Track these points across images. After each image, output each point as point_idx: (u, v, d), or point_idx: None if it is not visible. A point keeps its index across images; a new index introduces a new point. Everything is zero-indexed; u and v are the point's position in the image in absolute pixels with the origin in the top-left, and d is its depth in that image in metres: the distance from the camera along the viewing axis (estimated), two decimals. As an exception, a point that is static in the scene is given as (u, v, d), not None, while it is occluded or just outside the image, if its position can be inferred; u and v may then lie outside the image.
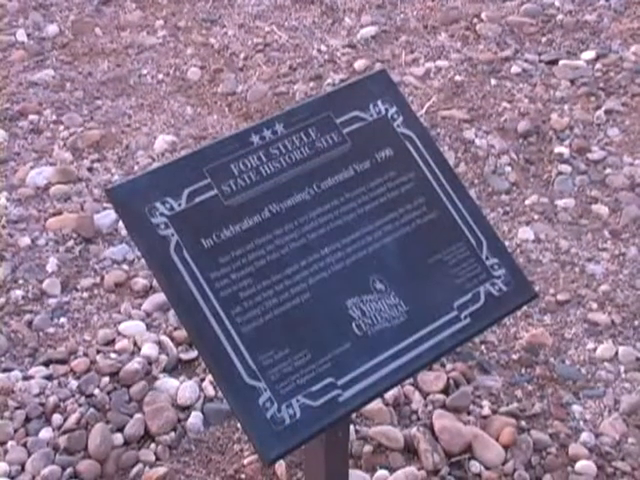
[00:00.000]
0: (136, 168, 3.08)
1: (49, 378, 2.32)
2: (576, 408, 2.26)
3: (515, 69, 3.54)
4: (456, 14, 3.92)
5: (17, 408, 2.22)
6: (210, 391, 2.28)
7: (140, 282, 2.63)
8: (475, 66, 3.57)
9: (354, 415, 2.15)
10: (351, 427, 2.08)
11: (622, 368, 2.38)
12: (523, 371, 2.37)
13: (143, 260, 2.43)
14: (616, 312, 2.54)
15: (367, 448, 2.13)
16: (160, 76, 3.61)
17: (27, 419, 2.21)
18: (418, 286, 1.60)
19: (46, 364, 2.37)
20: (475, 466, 2.10)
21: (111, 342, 2.44)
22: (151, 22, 3.96)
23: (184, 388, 2.27)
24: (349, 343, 1.51)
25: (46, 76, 3.58)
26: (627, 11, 3.91)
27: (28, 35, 3.83)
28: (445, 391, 2.27)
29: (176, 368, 2.36)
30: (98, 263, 2.72)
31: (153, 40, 3.83)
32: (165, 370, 2.34)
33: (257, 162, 1.58)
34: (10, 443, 2.15)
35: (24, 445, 2.15)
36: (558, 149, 3.13)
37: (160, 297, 2.52)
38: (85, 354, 2.39)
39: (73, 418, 2.18)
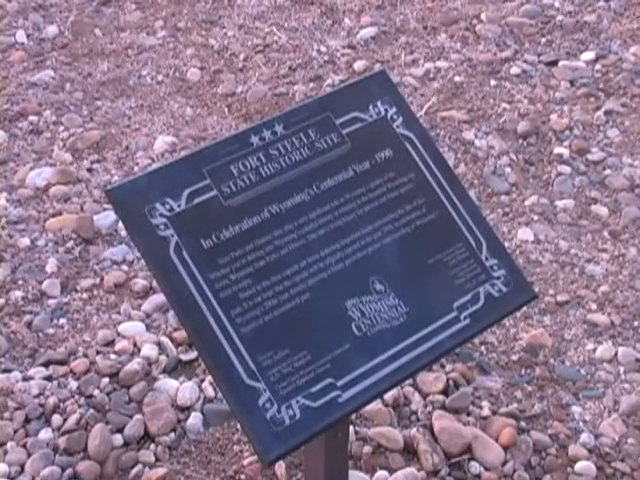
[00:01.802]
0: (136, 169, 3.08)
1: (49, 379, 2.31)
2: (576, 409, 2.26)
3: (515, 70, 3.54)
4: (456, 15, 3.92)
5: (17, 409, 2.22)
6: (210, 392, 2.28)
7: (140, 283, 2.63)
8: (475, 67, 3.57)
9: (354, 416, 2.15)
10: (351, 428, 2.08)
11: (622, 369, 2.38)
12: (523, 372, 2.37)
13: (143, 261, 2.43)
14: (616, 313, 2.54)
15: (367, 449, 2.13)
16: (160, 77, 3.61)
17: (27, 420, 2.21)
18: (418, 287, 1.60)
19: (46, 365, 2.37)
20: (475, 467, 2.10)
21: (111, 343, 2.44)
22: (151, 23, 3.96)
23: (184, 389, 2.27)
24: (349, 344, 1.51)
25: (46, 77, 3.58)
26: (626, 12, 3.91)
27: (28, 36, 3.84)
28: (445, 392, 2.27)
29: (176, 369, 2.36)
30: (98, 264, 2.72)
31: (153, 41, 3.83)
32: (165, 371, 2.34)
33: (257, 163, 1.58)
34: (10, 444, 2.15)
35: (24, 446, 2.15)
36: (558, 150, 3.13)
37: (160, 298, 2.52)
38: (85, 355, 2.39)
39: (73, 419, 2.18)
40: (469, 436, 2.14)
